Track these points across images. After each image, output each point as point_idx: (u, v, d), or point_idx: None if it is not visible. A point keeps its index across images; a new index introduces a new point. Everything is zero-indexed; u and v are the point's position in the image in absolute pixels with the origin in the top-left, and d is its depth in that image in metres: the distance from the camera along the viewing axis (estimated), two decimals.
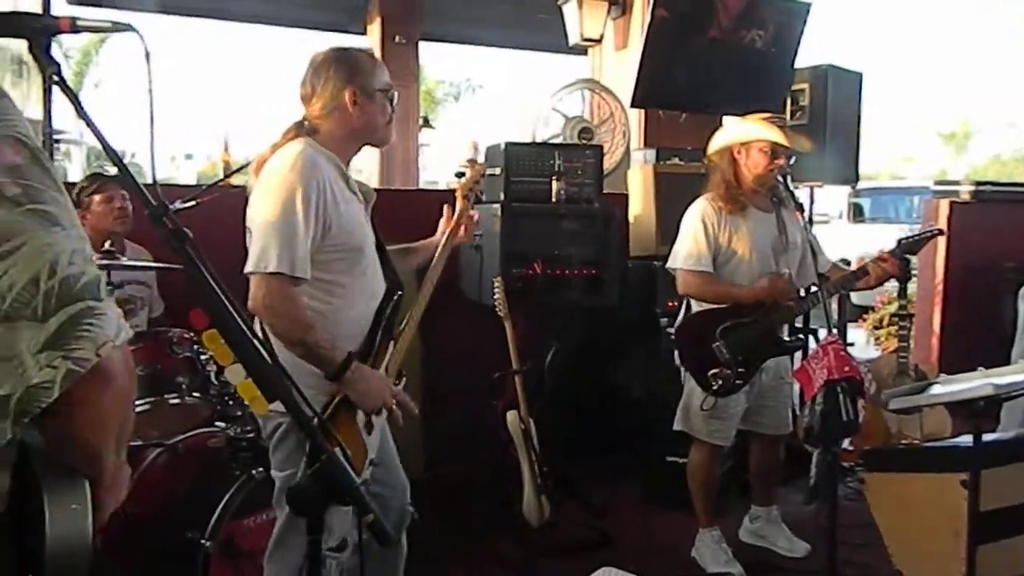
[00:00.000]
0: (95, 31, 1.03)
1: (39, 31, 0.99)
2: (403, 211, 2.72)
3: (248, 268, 1.93)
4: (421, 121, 9.04)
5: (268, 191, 1.95)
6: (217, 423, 2.77)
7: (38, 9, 4.26)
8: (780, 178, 2.92)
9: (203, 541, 2.33)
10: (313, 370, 1.97)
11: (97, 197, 3.07)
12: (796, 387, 2.97)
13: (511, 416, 3.24)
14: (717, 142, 3.10)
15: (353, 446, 1.99)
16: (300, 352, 1.94)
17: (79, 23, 1.01)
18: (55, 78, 1.01)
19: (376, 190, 2.28)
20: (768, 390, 3.09)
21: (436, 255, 2.37)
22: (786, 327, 3.16)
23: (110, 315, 0.84)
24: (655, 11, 4.03)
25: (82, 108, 1.05)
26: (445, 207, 2.49)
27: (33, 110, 4.23)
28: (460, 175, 2.53)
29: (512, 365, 3.24)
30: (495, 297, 3.18)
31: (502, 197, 3.50)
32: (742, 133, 3.02)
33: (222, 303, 1.06)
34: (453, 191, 2.52)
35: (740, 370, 2.91)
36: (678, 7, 4.08)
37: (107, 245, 2.77)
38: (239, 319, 1.10)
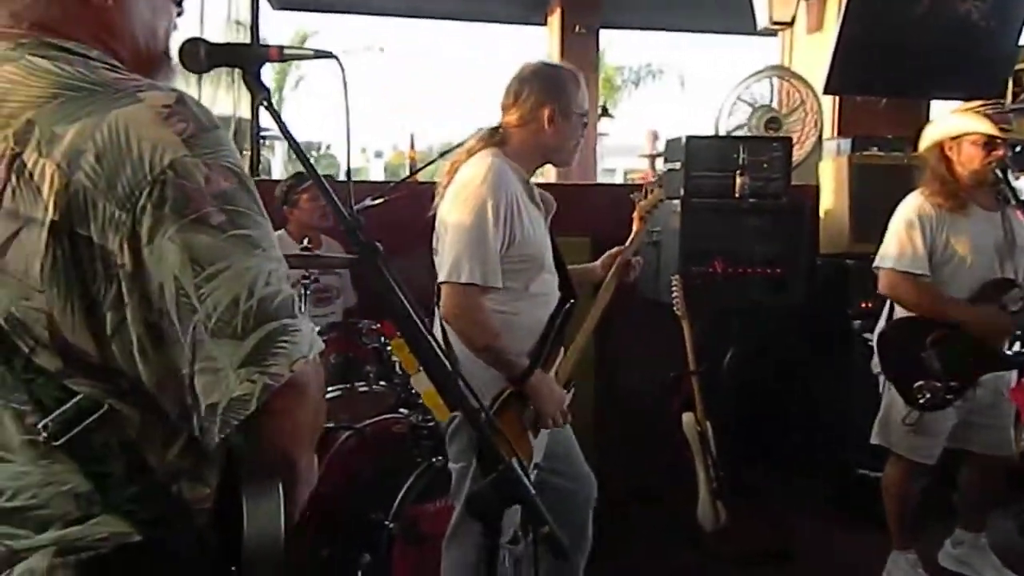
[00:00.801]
0: (299, 59, 1.10)
1: (252, 60, 1.08)
2: (579, 205, 2.73)
3: (442, 278, 2.01)
4: (600, 110, 8.97)
5: (461, 202, 2.02)
6: (401, 410, 2.92)
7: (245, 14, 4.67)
8: (999, 172, 2.62)
9: (387, 523, 2.46)
10: (484, 368, 2.03)
11: (305, 195, 3.33)
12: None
13: (687, 418, 3.16)
14: (927, 137, 2.84)
15: (518, 445, 2.03)
16: (486, 358, 2.01)
17: (286, 52, 1.09)
18: (264, 103, 1.08)
19: (552, 185, 2.31)
20: (984, 407, 2.79)
21: (603, 287, 2.37)
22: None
23: (304, 331, 0.89)
24: None
25: (286, 128, 1.13)
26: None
27: (243, 110, 4.64)
28: (638, 192, 2.52)
29: (689, 365, 3.15)
30: (673, 295, 3.10)
31: (682, 193, 3.40)
32: (951, 127, 2.75)
33: (409, 315, 1.10)
34: (627, 186, 2.50)
35: (952, 384, 2.65)
36: None
37: (305, 242, 2.99)
38: (424, 329, 1.14)
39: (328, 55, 1.09)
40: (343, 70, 1.09)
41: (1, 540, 0.86)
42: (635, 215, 2.47)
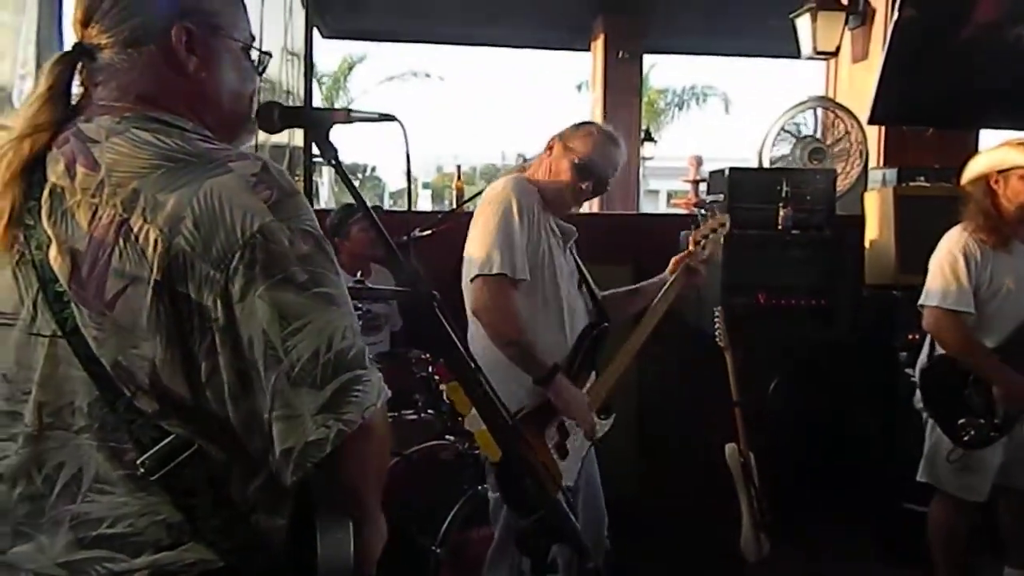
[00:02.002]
0: (364, 120, 1.19)
1: (321, 123, 1.17)
2: (621, 234, 2.77)
3: (474, 272, 2.10)
4: (642, 135, 9.02)
5: (486, 206, 2.15)
6: (447, 437, 2.99)
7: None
8: None
9: (434, 548, 2.53)
10: (507, 382, 2.08)
11: (357, 226, 3.44)
12: None
13: (730, 448, 3.17)
14: (971, 170, 2.83)
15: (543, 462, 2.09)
16: (512, 352, 2.08)
17: (352, 115, 1.18)
18: (333, 161, 1.17)
19: (594, 214, 2.38)
20: None
21: (654, 303, 2.39)
22: None
23: (373, 381, 0.98)
24: (902, 10, 3.70)
25: (351, 183, 1.22)
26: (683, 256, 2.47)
27: (297, 139, 4.80)
28: (697, 220, 2.56)
29: (732, 396, 3.17)
30: (715, 327, 3.13)
31: None
32: (999, 160, 2.73)
33: (463, 358, 1.18)
34: (669, 216, 2.56)
35: (996, 422, 2.63)
36: (930, 3, 3.70)
37: (358, 275, 3.09)
38: (477, 370, 1.21)
39: (391, 118, 1.19)
40: (405, 132, 1.18)
41: (102, 563, 0.95)
42: (691, 238, 2.49)
